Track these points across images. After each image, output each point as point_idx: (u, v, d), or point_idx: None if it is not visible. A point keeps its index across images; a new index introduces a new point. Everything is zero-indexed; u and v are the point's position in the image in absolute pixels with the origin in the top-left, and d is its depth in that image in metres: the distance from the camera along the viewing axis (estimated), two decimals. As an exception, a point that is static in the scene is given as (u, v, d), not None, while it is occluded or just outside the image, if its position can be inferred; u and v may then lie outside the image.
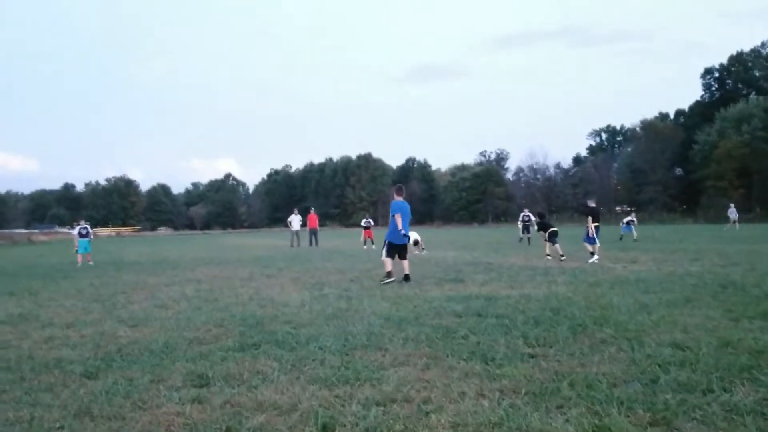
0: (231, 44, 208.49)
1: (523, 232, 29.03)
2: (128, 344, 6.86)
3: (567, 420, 3.96)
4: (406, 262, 12.85)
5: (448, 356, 5.76)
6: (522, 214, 30.24)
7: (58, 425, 4.17)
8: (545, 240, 18.77)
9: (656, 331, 6.66)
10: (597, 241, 17.14)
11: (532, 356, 5.68)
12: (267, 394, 4.71)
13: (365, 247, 27.60)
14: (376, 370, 5.34)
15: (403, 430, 3.89)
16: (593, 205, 18.18)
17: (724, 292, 9.59)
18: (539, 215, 21.66)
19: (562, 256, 17.57)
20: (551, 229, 18.68)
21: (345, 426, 3.99)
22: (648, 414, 4.00)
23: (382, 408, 4.31)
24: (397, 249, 12.93)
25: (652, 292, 9.83)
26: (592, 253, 16.81)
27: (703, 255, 17.69)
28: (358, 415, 4.16)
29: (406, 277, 12.48)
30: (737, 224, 40.06)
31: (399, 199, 13.07)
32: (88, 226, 23.32)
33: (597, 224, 17.37)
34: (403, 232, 12.70)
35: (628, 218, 31.02)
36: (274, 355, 6.00)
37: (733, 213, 40.70)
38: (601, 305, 8.54)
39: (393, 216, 12.88)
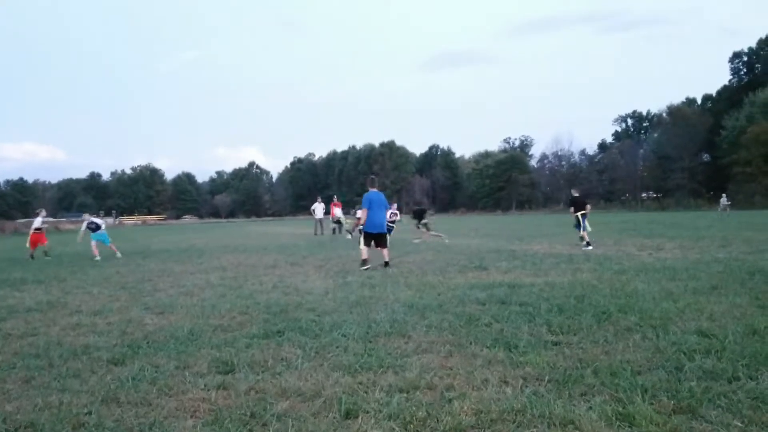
0: (254, 34, 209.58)
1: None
2: (154, 331, 6.94)
3: (590, 407, 3.95)
4: (385, 250, 13.38)
5: (471, 343, 5.76)
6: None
7: (85, 411, 4.23)
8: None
9: (682, 318, 6.60)
10: (583, 229, 17.65)
11: (555, 344, 5.66)
12: (291, 380, 4.75)
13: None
14: (399, 357, 5.35)
15: (425, 417, 3.90)
16: (576, 194, 18.95)
17: (752, 279, 9.47)
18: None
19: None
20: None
21: (368, 412, 4.01)
22: (672, 402, 3.98)
23: (405, 395, 4.32)
24: (373, 237, 13.41)
25: (678, 279, 9.74)
26: (585, 240, 17.28)
27: (731, 242, 17.45)
28: (381, 402, 4.18)
29: (386, 264, 13.09)
30: (726, 211, 40.10)
31: (372, 190, 13.66)
32: (97, 221, 21.21)
33: (583, 212, 17.93)
34: (366, 222, 13.32)
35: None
36: (298, 342, 6.04)
37: (722, 203, 41.13)
38: (626, 292, 8.47)
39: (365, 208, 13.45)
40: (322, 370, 5.01)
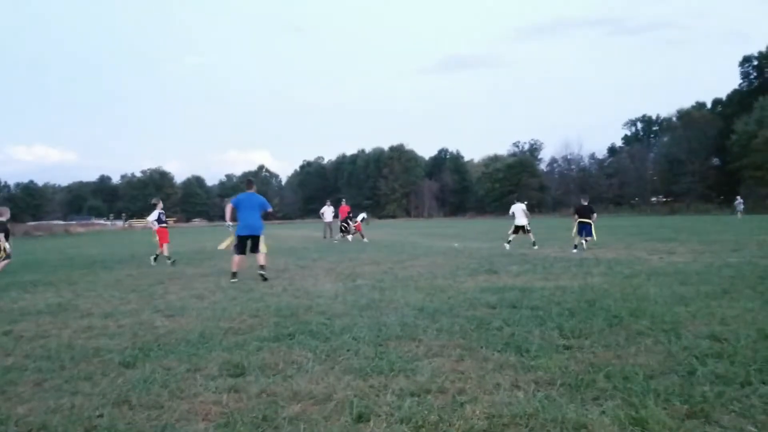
0: (263, 37, 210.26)
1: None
2: (165, 334, 6.96)
3: (603, 412, 3.93)
4: (260, 256, 12.62)
5: (482, 347, 5.75)
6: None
7: (97, 413, 4.25)
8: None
9: (693, 323, 6.58)
10: (579, 235, 18.43)
11: (567, 348, 5.64)
12: (302, 383, 4.75)
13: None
14: (410, 360, 5.35)
15: (437, 420, 3.89)
16: (585, 203, 19.41)
17: (764, 283, 9.42)
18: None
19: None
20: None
21: (380, 416, 4.01)
22: (685, 406, 3.96)
23: (416, 398, 4.32)
24: (245, 241, 12.72)
25: (689, 283, 9.69)
26: (576, 246, 18.08)
27: (742, 246, 17.37)
28: (393, 405, 4.18)
29: (261, 267, 12.42)
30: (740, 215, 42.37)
31: (249, 191, 12.93)
32: None
33: (583, 220, 18.54)
34: (230, 224, 12.80)
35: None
36: (308, 346, 6.04)
37: (739, 205, 43.06)
38: (638, 297, 8.45)
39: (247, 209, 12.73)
40: (333, 374, 5.01)
